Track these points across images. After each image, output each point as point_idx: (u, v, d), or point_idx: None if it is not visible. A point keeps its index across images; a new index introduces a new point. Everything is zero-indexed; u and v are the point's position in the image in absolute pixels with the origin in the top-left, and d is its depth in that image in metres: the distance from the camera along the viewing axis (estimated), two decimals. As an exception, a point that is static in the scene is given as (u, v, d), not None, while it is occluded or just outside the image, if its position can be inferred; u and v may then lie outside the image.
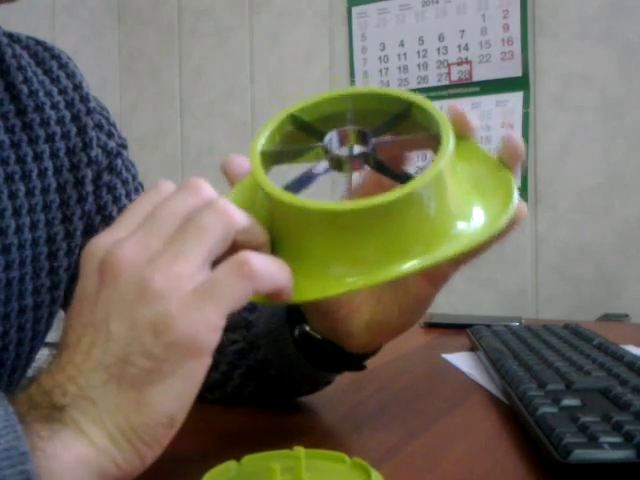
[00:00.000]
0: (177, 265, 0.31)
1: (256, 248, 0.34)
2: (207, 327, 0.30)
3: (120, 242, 0.32)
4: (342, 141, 0.42)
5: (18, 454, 0.27)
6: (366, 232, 0.35)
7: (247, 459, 0.38)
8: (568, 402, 0.46)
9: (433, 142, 0.39)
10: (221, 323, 0.31)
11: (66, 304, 0.59)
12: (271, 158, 0.41)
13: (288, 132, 0.43)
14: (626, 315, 1.56)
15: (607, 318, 1.52)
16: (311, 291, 0.36)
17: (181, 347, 0.30)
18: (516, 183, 0.40)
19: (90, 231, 0.57)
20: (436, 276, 0.44)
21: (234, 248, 0.33)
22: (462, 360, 0.71)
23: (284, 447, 0.38)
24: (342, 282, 0.36)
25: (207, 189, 0.35)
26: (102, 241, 0.33)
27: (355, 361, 0.52)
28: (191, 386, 0.31)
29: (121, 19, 2.35)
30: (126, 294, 0.31)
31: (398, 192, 0.35)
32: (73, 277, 0.57)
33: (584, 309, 1.63)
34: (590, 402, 0.47)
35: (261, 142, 0.40)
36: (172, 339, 0.30)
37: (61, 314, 0.60)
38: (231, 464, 0.37)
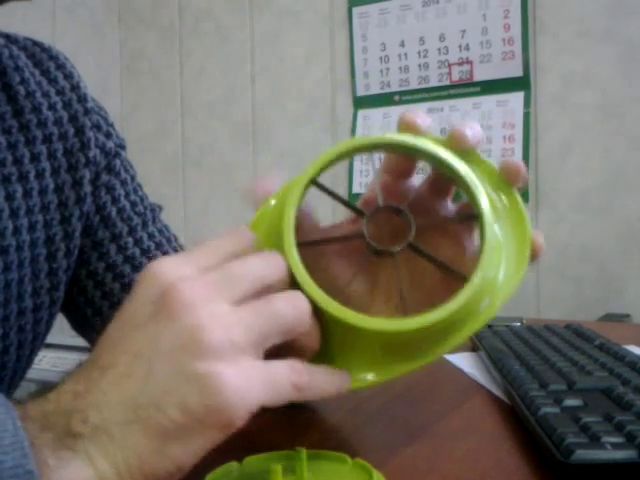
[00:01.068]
0: (239, 332, 0.30)
1: (307, 353, 0.35)
2: (248, 407, 0.30)
3: (187, 279, 0.31)
4: (374, 214, 0.41)
5: (24, 472, 0.27)
6: (412, 339, 0.37)
7: (249, 460, 0.38)
8: (570, 402, 0.46)
9: (468, 219, 0.41)
10: (255, 408, 0.30)
11: (66, 306, 0.59)
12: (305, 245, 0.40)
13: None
14: (628, 315, 1.56)
15: (609, 318, 1.52)
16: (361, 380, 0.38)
17: (220, 414, 0.29)
18: (525, 209, 0.41)
19: (89, 231, 0.57)
20: None
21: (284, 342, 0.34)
22: (463, 360, 0.71)
23: (286, 448, 0.38)
24: (389, 369, 0.38)
25: (285, 270, 0.35)
26: (166, 269, 0.32)
27: None
28: (208, 448, 0.30)
29: (122, 20, 2.35)
30: (179, 337, 0.29)
31: (453, 306, 0.36)
32: (72, 278, 0.57)
33: (585, 309, 1.63)
34: (592, 402, 0.46)
35: (292, 232, 0.36)
36: (216, 403, 0.29)
37: (61, 316, 0.60)
38: (233, 465, 0.37)
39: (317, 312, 0.36)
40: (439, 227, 0.44)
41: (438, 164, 0.41)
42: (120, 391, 0.29)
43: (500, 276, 0.39)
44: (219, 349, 0.29)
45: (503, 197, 0.42)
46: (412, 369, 0.38)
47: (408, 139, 0.41)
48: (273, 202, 0.41)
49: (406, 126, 0.41)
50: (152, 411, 0.29)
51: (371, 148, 0.41)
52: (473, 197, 0.39)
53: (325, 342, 0.37)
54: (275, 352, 0.33)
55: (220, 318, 0.30)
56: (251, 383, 0.30)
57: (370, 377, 0.38)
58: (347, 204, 0.43)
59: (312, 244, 0.42)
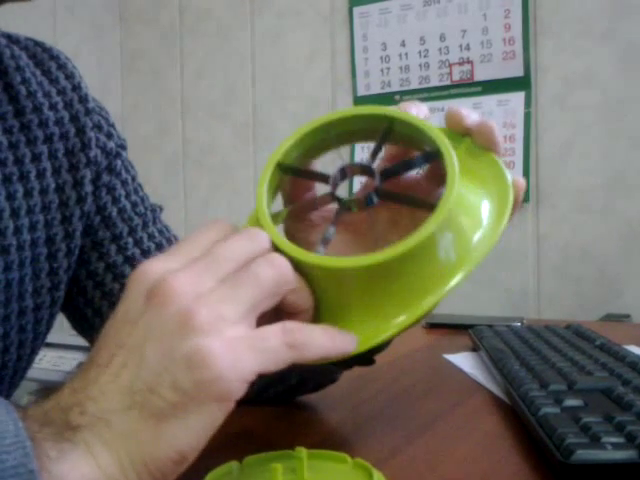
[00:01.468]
0: (225, 306, 0.31)
1: (301, 311, 0.35)
2: (241, 377, 0.30)
3: (174, 272, 0.32)
4: (342, 176, 0.42)
5: (26, 471, 0.27)
6: (401, 273, 0.36)
7: (249, 460, 0.38)
8: (570, 402, 0.46)
9: (431, 157, 0.40)
10: (252, 377, 0.30)
11: (66, 306, 0.59)
12: (280, 217, 0.42)
13: (282, 179, 0.43)
14: (628, 315, 1.56)
15: (609, 318, 1.52)
16: (365, 339, 0.36)
17: (211, 388, 0.29)
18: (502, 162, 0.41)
19: (89, 232, 0.57)
20: None
21: (279, 308, 0.34)
22: (464, 360, 0.71)
23: (286, 447, 0.38)
24: (391, 323, 0.36)
25: (266, 241, 0.35)
26: (155, 267, 0.33)
27: (362, 355, 0.52)
28: (209, 427, 0.30)
29: (122, 19, 2.35)
30: (168, 322, 0.30)
31: (425, 230, 0.35)
32: (72, 278, 0.57)
33: (586, 309, 1.63)
34: (592, 402, 0.46)
35: (264, 204, 0.39)
36: (205, 377, 0.29)
37: (61, 315, 0.60)
38: (233, 465, 0.37)
39: (302, 273, 0.36)
40: (404, 176, 0.44)
41: (406, 127, 0.41)
42: (117, 381, 0.30)
43: (482, 224, 0.38)
44: (206, 326, 0.30)
45: (483, 162, 0.41)
46: (413, 319, 0.36)
47: (372, 109, 0.42)
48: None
49: (453, 118, 0.42)
50: (147, 394, 0.29)
51: (334, 127, 0.42)
52: (431, 139, 0.39)
53: (321, 304, 0.37)
54: (275, 320, 0.33)
55: (206, 298, 0.31)
56: (239, 351, 0.30)
57: (374, 333, 0.37)
58: (313, 175, 0.43)
59: (289, 214, 0.43)
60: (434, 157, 0.40)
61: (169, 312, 0.30)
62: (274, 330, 0.32)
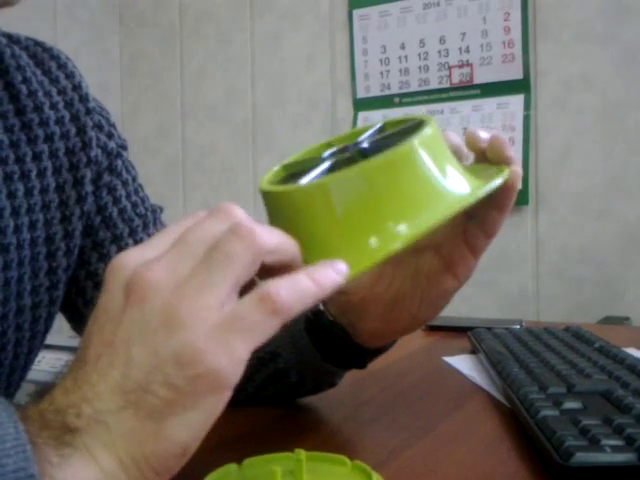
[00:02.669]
0: (203, 295, 0.30)
1: (288, 262, 0.34)
2: (232, 362, 0.30)
3: (148, 263, 0.31)
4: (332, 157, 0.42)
5: (26, 476, 0.27)
6: (380, 192, 0.35)
7: (248, 462, 0.38)
8: (569, 405, 0.46)
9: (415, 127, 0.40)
10: (246, 357, 0.30)
11: (66, 306, 0.59)
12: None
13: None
14: (627, 318, 1.56)
15: (608, 321, 1.51)
16: (355, 266, 0.34)
17: (205, 381, 0.29)
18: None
19: (90, 232, 0.57)
20: (460, 269, 0.45)
21: (264, 267, 0.33)
22: (463, 363, 0.71)
23: (285, 450, 0.38)
24: (381, 247, 0.34)
25: (236, 212, 0.34)
26: (130, 259, 0.32)
27: (359, 355, 0.52)
28: (209, 419, 0.30)
29: (122, 21, 2.36)
30: (150, 319, 0.30)
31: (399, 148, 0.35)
32: (71, 278, 0.57)
33: (585, 312, 1.63)
34: (591, 405, 0.46)
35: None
36: (197, 372, 0.29)
37: (60, 318, 0.59)
38: (232, 467, 0.37)
39: (285, 212, 0.36)
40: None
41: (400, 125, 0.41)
42: (107, 381, 0.30)
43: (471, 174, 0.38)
44: (189, 320, 0.30)
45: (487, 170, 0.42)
46: (416, 232, 0.34)
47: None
48: None
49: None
50: (140, 394, 0.29)
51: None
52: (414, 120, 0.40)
53: (308, 238, 0.35)
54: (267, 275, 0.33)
55: (183, 288, 0.30)
56: (225, 337, 0.30)
57: (370, 251, 0.34)
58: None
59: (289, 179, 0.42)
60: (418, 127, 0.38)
61: (149, 309, 0.30)
62: (251, 302, 0.31)
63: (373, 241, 0.34)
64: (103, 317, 0.31)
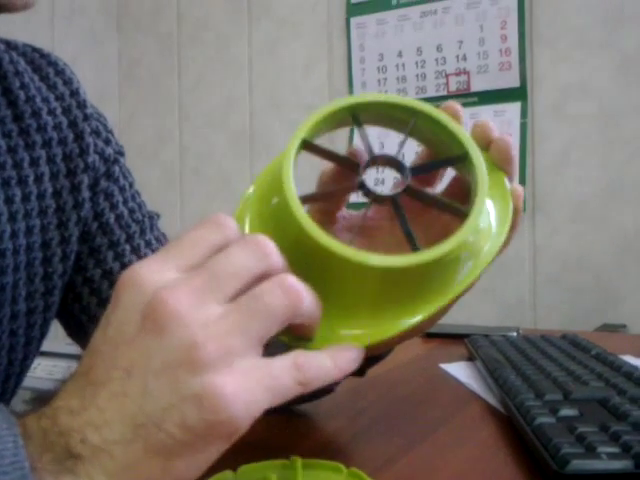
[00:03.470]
0: (234, 339, 0.29)
1: (307, 329, 0.34)
2: (250, 415, 0.29)
3: (172, 287, 0.29)
4: (370, 164, 0.42)
5: None
6: (418, 279, 0.36)
7: (243, 469, 0.37)
8: (566, 412, 0.46)
9: (459, 162, 0.41)
10: (260, 413, 0.29)
11: (62, 312, 0.59)
12: (304, 200, 0.40)
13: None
14: (624, 325, 1.56)
15: (605, 328, 1.52)
16: (373, 335, 0.36)
17: (222, 428, 0.28)
18: (510, 184, 0.42)
19: (86, 238, 0.57)
20: None
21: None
22: (460, 370, 0.71)
23: (281, 457, 0.38)
24: (397, 323, 0.36)
25: (274, 253, 0.32)
26: (148, 276, 0.30)
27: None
28: (212, 460, 0.29)
29: (120, 28, 2.36)
30: (172, 352, 0.28)
31: (452, 242, 0.36)
32: (68, 284, 0.57)
33: (582, 319, 1.63)
34: (588, 412, 0.46)
35: (291, 181, 0.37)
36: (218, 420, 0.28)
37: (56, 324, 0.59)
38: (227, 474, 0.37)
39: (317, 259, 0.35)
40: (433, 173, 0.45)
41: (434, 124, 0.42)
42: (117, 410, 0.28)
43: (492, 224, 0.39)
44: (215, 361, 0.28)
45: (492, 177, 0.42)
46: (414, 323, 0.37)
47: (404, 100, 0.42)
48: (252, 189, 0.42)
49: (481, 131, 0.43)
50: (152, 429, 0.28)
51: (365, 108, 0.42)
52: (457, 138, 0.40)
53: (332, 294, 0.35)
54: None
55: (212, 327, 0.29)
56: (252, 390, 0.29)
57: (379, 331, 0.36)
58: (339, 159, 0.43)
59: (312, 199, 0.42)
60: (460, 160, 0.40)
61: (171, 341, 0.28)
62: (286, 366, 0.30)
63: (398, 317, 0.36)
64: (116, 337, 0.30)
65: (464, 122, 0.43)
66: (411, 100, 0.42)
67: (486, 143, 0.42)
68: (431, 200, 0.42)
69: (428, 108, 0.42)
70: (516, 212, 0.41)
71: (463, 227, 0.36)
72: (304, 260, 0.35)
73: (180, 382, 0.28)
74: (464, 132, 0.41)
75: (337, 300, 0.36)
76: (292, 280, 0.31)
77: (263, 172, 0.42)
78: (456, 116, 0.43)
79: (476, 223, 0.37)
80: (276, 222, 0.38)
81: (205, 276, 0.30)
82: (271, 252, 0.32)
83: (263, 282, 0.31)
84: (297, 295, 0.31)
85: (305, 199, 0.39)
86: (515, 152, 0.42)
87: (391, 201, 0.39)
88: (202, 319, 0.29)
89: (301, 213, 0.36)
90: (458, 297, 0.38)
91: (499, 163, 0.42)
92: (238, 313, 0.30)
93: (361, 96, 0.42)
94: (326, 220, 0.46)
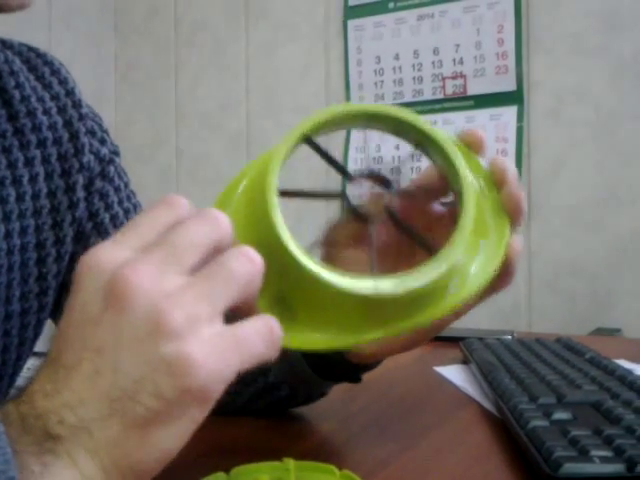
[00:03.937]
0: (200, 306, 0.29)
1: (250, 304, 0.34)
2: (223, 379, 0.29)
3: (132, 263, 0.30)
4: (361, 176, 0.42)
5: (7, 478, 0.26)
6: (395, 301, 0.36)
7: (236, 471, 0.37)
8: (559, 416, 0.46)
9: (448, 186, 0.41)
10: (233, 377, 0.30)
11: (55, 313, 0.58)
12: (284, 194, 0.40)
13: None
14: (618, 330, 1.56)
15: (599, 332, 1.52)
16: (326, 342, 0.36)
17: (195, 394, 0.29)
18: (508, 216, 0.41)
19: (81, 238, 0.57)
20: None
21: None
22: (454, 373, 0.71)
23: (273, 458, 0.38)
24: (363, 336, 0.37)
25: (227, 224, 0.33)
26: (106, 257, 0.30)
27: (352, 371, 0.52)
28: (192, 427, 0.30)
29: (117, 30, 2.36)
30: (138, 325, 0.29)
31: (435, 273, 0.36)
32: (62, 284, 0.57)
33: (576, 323, 1.64)
34: (581, 416, 0.47)
35: (275, 177, 0.36)
36: (189, 385, 0.28)
37: (50, 322, 0.59)
38: (220, 476, 0.37)
39: (295, 277, 0.35)
40: (419, 198, 0.45)
41: (442, 154, 0.41)
42: (91, 389, 0.29)
43: (473, 266, 0.39)
44: (182, 328, 0.29)
45: (491, 195, 0.42)
46: (379, 337, 0.37)
47: (406, 114, 0.41)
48: (240, 174, 0.42)
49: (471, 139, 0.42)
50: (127, 402, 0.28)
51: (367, 118, 0.42)
52: (456, 173, 0.39)
53: (303, 302, 0.36)
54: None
55: (176, 295, 0.29)
56: (222, 354, 0.29)
57: (338, 337, 0.37)
58: (336, 164, 0.43)
59: (291, 195, 0.41)
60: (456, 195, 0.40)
61: (137, 314, 0.29)
62: (256, 329, 0.31)
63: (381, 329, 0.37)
64: (81, 319, 0.30)
65: (483, 148, 0.42)
66: (426, 125, 0.41)
67: (499, 181, 0.41)
68: (405, 228, 0.42)
69: (441, 136, 0.40)
70: (509, 264, 0.40)
71: (427, 271, 0.36)
72: (292, 282, 0.36)
73: (150, 353, 0.29)
74: (467, 174, 0.39)
75: (311, 309, 0.37)
76: (252, 251, 0.32)
77: (257, 160, 0.42)
78: (475, 145, 0.42)
79: (443, 271, 0.36)
80: (251, 212, 0.38)
81: (163, 251, 0.31)
82: (224, 222, 0.33)
83: (226, 251, 0.32)
84: (259, 263, 0.32)
85: (285, 193, 0.39)
86: (524, 204, 0.41)
87: (367, 218, 0.40)
88: (165, 290, 0.29)
89: (274, 210, 0.36)
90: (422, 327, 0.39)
91: (508, 209, 0.41)
92: (203, 281, 0.30)
93: (379, 107, 0.41)
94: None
